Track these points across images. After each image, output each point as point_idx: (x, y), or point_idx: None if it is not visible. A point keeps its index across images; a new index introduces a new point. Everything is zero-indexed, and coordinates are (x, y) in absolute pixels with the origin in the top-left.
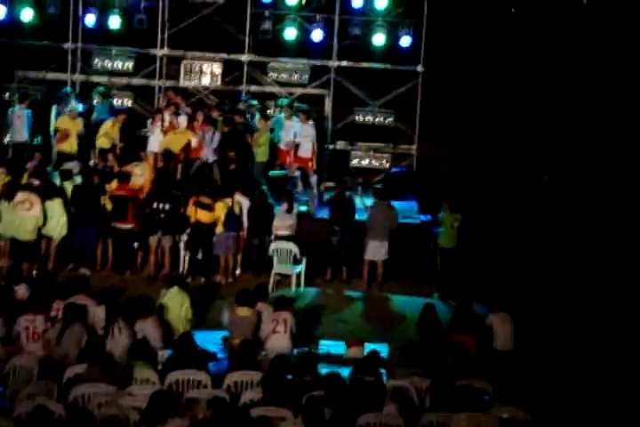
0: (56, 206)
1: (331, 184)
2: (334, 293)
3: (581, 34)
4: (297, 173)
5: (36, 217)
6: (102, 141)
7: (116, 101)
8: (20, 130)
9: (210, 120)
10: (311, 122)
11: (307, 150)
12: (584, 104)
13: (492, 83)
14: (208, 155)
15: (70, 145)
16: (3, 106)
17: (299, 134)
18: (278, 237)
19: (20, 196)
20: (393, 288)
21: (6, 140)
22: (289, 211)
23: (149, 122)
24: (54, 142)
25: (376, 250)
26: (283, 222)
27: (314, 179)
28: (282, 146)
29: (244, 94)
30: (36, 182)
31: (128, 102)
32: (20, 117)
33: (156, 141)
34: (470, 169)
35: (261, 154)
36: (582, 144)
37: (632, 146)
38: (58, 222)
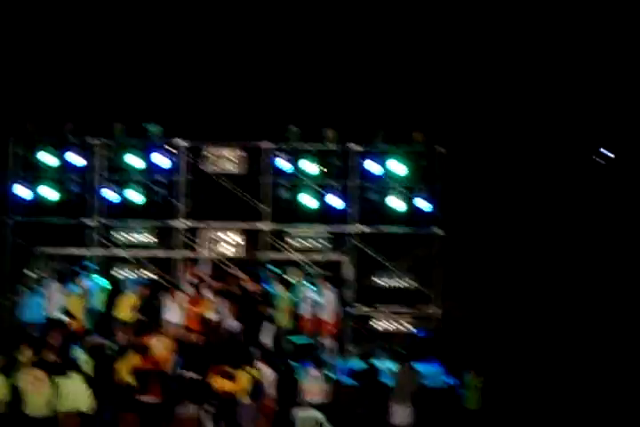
0: (77, 382)
1: (354, 350)
2: None
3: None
4: (326, 340)
5: (46, 393)
6: (126, 315)
7: (137, 274)
8: (57, 305)
9: (226, 292)
10: (330, 286)
11: (327, 313)
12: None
13: (509, 241)
14: (232, 325)
15: (82, 323)
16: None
17: (318, 300)
18: (309, 404)
19: (28, 373)
20: None
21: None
22: (322, 378)
23: (167, 294)
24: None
25: (401, 414)
26: (313, 388)
27: (333, 343)
28: (303, 313)
29: (262, 263)
30: (52, 358)
31: (150, 274)
32: (55, 293)
33: (175, 313)
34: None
35: (283, 319)
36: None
37: None
38: (83, 396)
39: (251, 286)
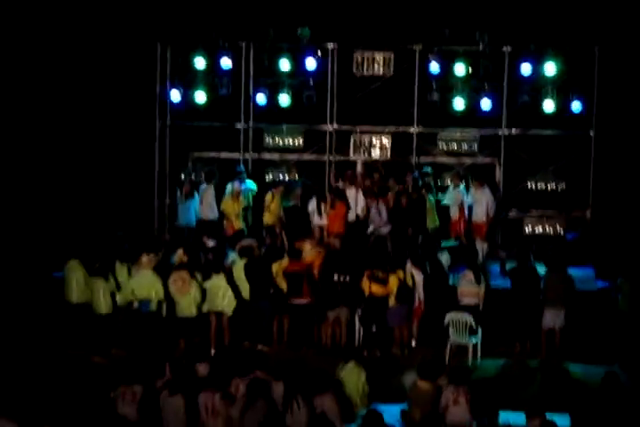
0: (220, 282)
1: (504, 253)
2: (512, 363)
3: None
4: (478, 243)
5: (192, 294)
6: (267, 218)
7: (286, 177)
8: (210, 208)
9: (374, 192)
10: (485, 188)
11: (480, 216)
12: None
13: None
14: (381, 228)
15: (236, 225)
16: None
17: (469, 201)
18: (463, 307)
19: (173, 275)
20: (573, 357)
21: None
22: (477, 280)
23: (314, 198)
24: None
25: (553, 318)
26: (470, 290)
27: (485, 245)
28: (454, 215)
29: (416, 167)
30: (203, 260)
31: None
32: (208, 196)
33: (324, 218)
34: None
35: (433, 221)
36: None
37: None
38: (224, 297)
39: (400, 188)
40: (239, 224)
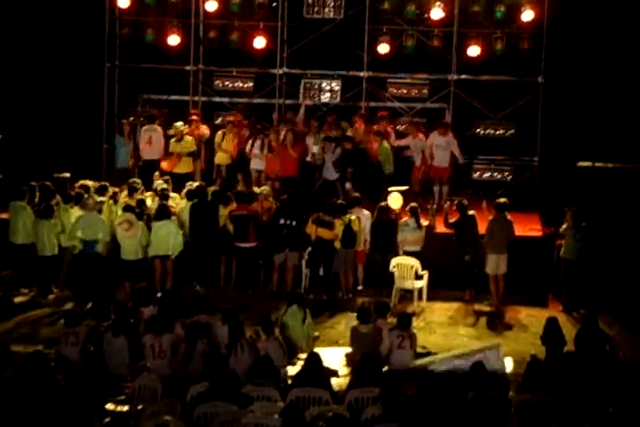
0: (170, 226)
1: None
2: (456, 308)
3: None
4: (436, 188)
5: (136, 237)
6: (219, 157)
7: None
8: (154, 149)
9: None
10: (449, 134)
11: (443, 161)
12: None
13: (616, 90)
14: (328, 173)
15: (184, 166)
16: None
17: (433, 147)
18: (406, 253)
19: (120, 217)
20: (516, 302)
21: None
22: (418, 226)
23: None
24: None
25: (496, 264)
26: (410, 237)
27: (445, 189)
28: (415, 163)
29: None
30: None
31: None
32: (152, 137)
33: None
34: (593, 179)
35: (388, 166)
36: None
37: None
38: (174, 241)
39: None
40: (185, 167)
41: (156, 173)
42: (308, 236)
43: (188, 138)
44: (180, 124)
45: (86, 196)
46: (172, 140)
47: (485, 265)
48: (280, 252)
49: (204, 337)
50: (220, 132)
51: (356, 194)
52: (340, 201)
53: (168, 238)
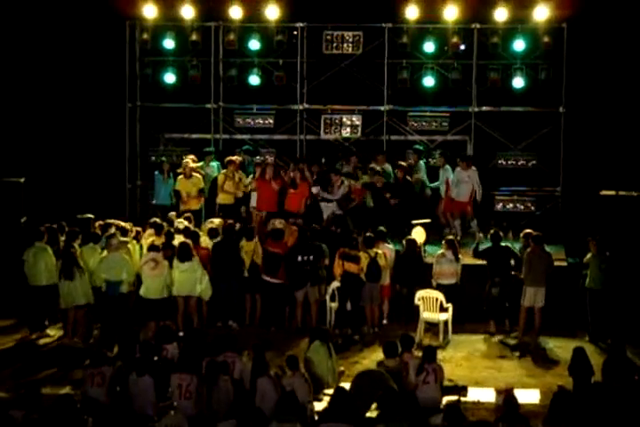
0: (195, 267)
1: (480, 235)
2: (483, 340)
3: None
4: (457, 222)
5: (162, 276)
6: (221, 198)
7: (259, 158)
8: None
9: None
10: (472, 168)
11: (464, 196)
12: None
13: (637, 118)
14: (333, 207)
15: (194, 203)
16: (150, 168)
17: (454, 180)
18: (440, 286)
19: (145, 256)
20: (545, 332)
21: (154, 201)
22: (456, 259)
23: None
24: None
25: (534, 296)
26: (447, 270)
27: (474, 223)
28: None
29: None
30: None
31: (270, 159)
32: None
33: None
34: (617, 208)
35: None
36: None
37: None
38: (201, 282)
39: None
40: (195, 204)
41: (173, 213)
42: (329, 270)
43: (197, 175)
44: (188, 160)
45: (109, 235)
46: (180, 177)
47: (522, 297)
48: (301, 288)
49: (225, 374)
50: (221, 175)
51: (382, 228)
52: (368, 234)
53: (192, 280)
